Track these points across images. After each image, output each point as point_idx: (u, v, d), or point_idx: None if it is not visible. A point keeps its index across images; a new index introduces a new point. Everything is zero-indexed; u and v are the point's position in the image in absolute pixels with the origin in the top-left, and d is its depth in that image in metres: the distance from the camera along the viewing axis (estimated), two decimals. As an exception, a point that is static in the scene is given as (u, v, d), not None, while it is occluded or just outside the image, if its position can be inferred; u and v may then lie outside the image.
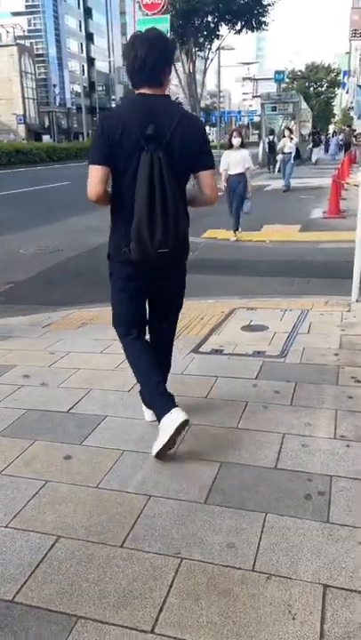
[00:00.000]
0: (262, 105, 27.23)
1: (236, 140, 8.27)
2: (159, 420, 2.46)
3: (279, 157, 15.85)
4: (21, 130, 59.23)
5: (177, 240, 2.35)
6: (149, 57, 2.31)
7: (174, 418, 2.39)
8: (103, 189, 2.35)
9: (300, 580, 1.77)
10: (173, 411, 2.42)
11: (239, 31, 16.97)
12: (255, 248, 8.21)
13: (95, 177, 2.33)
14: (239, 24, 16.71)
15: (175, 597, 1.72)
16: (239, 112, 64.54)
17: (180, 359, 3.68)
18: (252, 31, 17.29)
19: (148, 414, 2.76)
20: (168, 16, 12.80)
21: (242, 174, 8.27)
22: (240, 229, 8.84)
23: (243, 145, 8.43)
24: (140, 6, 12.63)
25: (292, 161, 14.88)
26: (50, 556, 1.92)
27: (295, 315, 4.58)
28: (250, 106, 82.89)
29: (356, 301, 4.88)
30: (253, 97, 43.23)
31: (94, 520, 2.09)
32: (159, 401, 2.50)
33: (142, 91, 2.38)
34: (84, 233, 9.48)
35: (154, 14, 12.48)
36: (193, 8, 15.30)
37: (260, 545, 1.93)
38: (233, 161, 8.24)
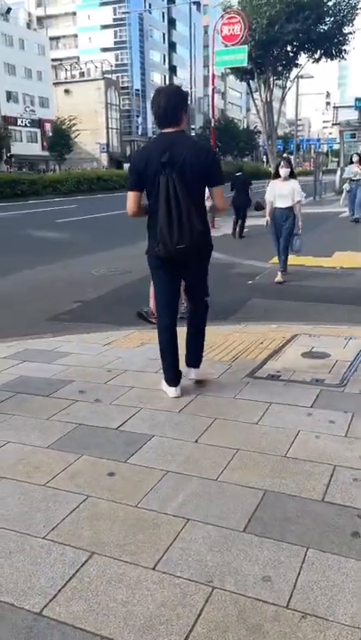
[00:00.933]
0: (341, 132, 26.84)
1: (283, 171, 7.40)
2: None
3: (345, 187, 14.42)
4: (104, 158, 61.91)
5: (192, 238, 3.05)
6: (169, 105, 3.13)
7: (168, 392, 3.42)
8: (137, 208, 3.29)
9: (338, 623, 1.64)
10: (171, 389, 3.42)
11: (318, 60, 16.95)
12: (325, 274, 8.00)
13: (130, 200, 3.27)
14: (318, 52, 16.70)
15: (202, 627, 1.65)
16: (318, 140, 63.90)
17: (234, 382, 3.62)
18: (332, 59, 17.21)
19: (171, 391, 3.44)
20: (246, 47, 13.05)
21: (290, 208, 7.38)
22: (285, 271, 7.73)
23: (293, 175, 7.55)
24: (219, 38, 12.98)
25: None
26: (82, 572, 1.91)
27: (360, 343, 4.38)
28: (330, 134, 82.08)
29: None
30: (333, 125, 42.74)
31: (130, 539, 2.07)
32: (165, 376, 3.48)
33: (165, 130, 3.18)
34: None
35: (233, 45, 12.78)
36: (272, 38, 15.49)
37: (298, 581, 1.82)
38: (280, 193, 7.38)
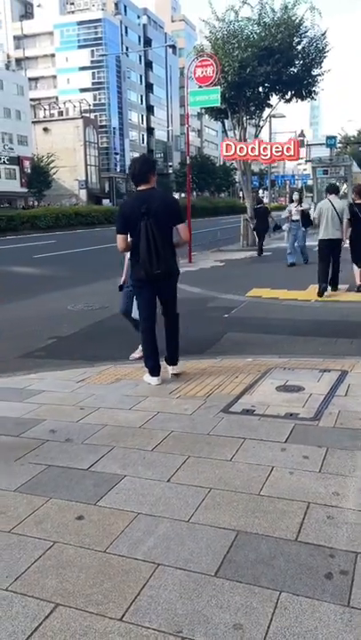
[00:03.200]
0: (314, 169, 27.64)
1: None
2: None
3: (285, 227, 13.69)
4: (83, 194, 62.51)
5: (166, 266, 4.26)
6: (141, 171, 4.38)
7: (152, 381, 4.44)
8: (125, 245, 4.43)
9: (311, 674, 1.58)
10: (153, 379, 4.46)
11: (289, 100, 17.48)
12: (300, 307, 8.08)
13: (119, 240, 4.43)
14: (289, 93, 17.27)
15: None
16: (293, 176, 65.63)
17: (208, 418, 3.58)
18: (302, 100, 17.78)
19: (153, 380, 4.44)
20: (219, 88, 13.46)
21: None
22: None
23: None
24: (192, 79, 13.37)
25: (302, 229, 12.96)
26: (45, 626, 1.81)
27: (334, 376, 4.40)
28: (304, 170, 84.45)
29: None
30: (306, 161, 44.04)
31: (97, 588, 1.98)
32: (148, 366, 4.50)
33: (140, 188, 4.39)
34: (130, 291, 9.66)
35: (206, 86, 13.17)
36: (244, 80, 15.99)
37: (270, 628, 1.75)
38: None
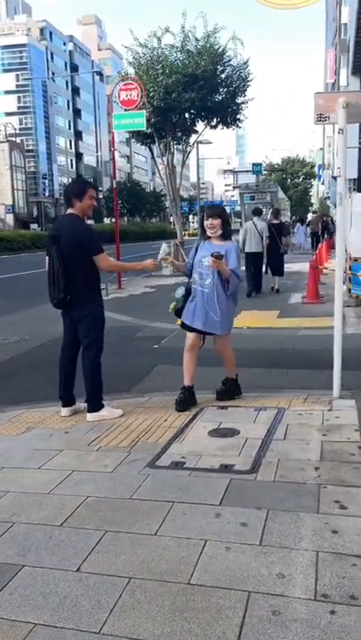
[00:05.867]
0: (241, 194, 28.11)
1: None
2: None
3: None
4: (10, 219, 60.71)
5: (62, 296, 4.01)
6: (66, 193, 4.26)
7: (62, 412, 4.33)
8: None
9: None
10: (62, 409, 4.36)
11: (215, 127, 17.58)
12: (232, 336, 7.75)
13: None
14: (215, 120, 17.38)
15: None
16: (221, 202, 67.05)
17: (131, 476, 3.08)
18: (228, 127, 17.93)
19: (62, 410, 4.36)
20: (144, 112, 13.25)
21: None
22: None
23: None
24: (117, 103, 13.09)
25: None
26: None
27: (270, 415, 4.03)
28: (232, 196, 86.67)
29: (339, 397, 4.37)
30: (234, 188, 45.06)
31: None
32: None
33: (67, 212, 4.21)
34: (53, 321, 8.99)
35: (130, 109, 12.92)
36: (170, 106, 15.92)
37: None
38: None
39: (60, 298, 4.01)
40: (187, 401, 4.35)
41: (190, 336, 4.47)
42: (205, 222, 4.34)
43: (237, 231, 16.04)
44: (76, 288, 4.02)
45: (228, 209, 57.08)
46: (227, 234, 4.40)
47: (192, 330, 4.39)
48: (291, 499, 2.71)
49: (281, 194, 31.95)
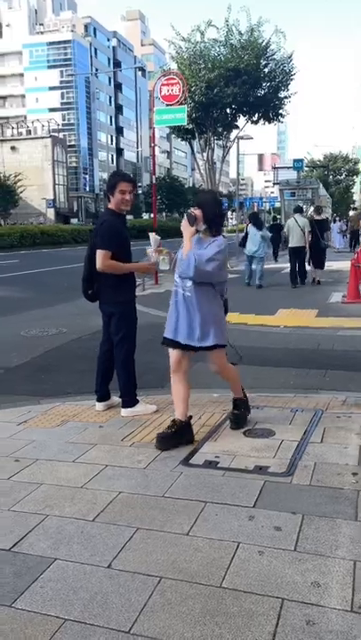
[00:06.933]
0: (281, 191, 27.78)
1: None
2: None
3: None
4: (51, 213, 61.69)
5: (82, 289, 4.19)
6: (105, 192, 4.19)
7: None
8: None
9: None
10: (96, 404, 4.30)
11: (256, 122, 17.42)
12: (268, 334, 7.66)
13: None
14: (256, 115, 17.20)
15: None
16: (261, 198, 66.32)
17: (165, 474, 3.05)
18: (269, 122, 17.74)
19: (97, 405, 4.31)
20: (185, 107, 13.19)
21: None
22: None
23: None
24: (158, 98, 13.07)
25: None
26: None
27: (307, 417, 3.93)
28: (271, 192, 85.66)
29: (380, 401, 4.23)
30: (274, 184, 44.48)
31: None
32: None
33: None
34: (92, 314, 9.08)
35: (172, 104, 12.88)
36: (211, 101, 15.84)
37: None
38: None
39: (83, 290, 4.16)
40: (173, 437, 3.42)
41: (173, 353, 3.58)
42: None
43: (274, 227, 17.23)
44: (104, 283, 4.03)
45: (267, 205, 56.37)
46: (214, 227, 3.48)
47: (175, 345, 3.54)
48: (327, 504, 2.63)
49: (322, 190, 31.40)
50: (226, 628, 1.83)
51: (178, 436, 3.46)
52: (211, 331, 3.44)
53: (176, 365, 3.58)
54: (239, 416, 3.79)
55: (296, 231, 12.03)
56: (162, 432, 3.48)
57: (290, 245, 12.24)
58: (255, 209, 30.96)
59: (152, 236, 3.94)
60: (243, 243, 13.20)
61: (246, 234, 13.04)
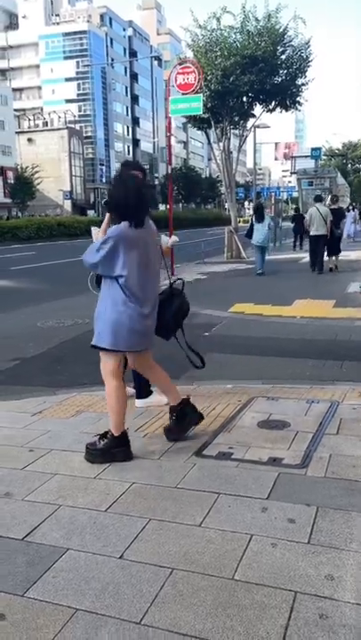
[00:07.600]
0: (298, 180, 27.45)
1: None
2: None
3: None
4: (67, 205, 61.93)
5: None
6: None
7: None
8: None
9: None
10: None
11: (272, 110, 17.17)
12: (284, 324, 7.58)
13: None
14: (273, 103, 16.95)
15: None
16: (278, 188, 65.65)
17: (178, 464, 3.04)
18: (286, 110, 17.44)
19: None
20: (200, 95, 13.05)
21: None
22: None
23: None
24: (174, 87, 12.95)
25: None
26: None
27: (323, 408, 3.89)
28: (289, 182, 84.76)
29: None
30: (291, 174, 44.01)
31: None
32: None
33: None
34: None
35: (187, 93, 12.76)
36: (227, 89, 15.64)
37: None
38: None
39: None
40: (177, 424, 3.39)
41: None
42: None
43: (296, 217, 17.88)
44: None
45: (285, 195, 55.88)
46: (115, 212, 3.20)
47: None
48: (342, 497, 2.59)
49: (341, 179, 30.98)
50: (237, 621, 1.81)
51: (180, 421, 3.41)
52: (96, 329, 3.20)
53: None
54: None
55: (318, 219, 12.51)
56: (166, 425, 3.48)
57: (311, 233, 12.78)
58: (273, 199, 30.50)
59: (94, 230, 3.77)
60: (249, 234, 13.32)
61: (252, 225, 13.17)
